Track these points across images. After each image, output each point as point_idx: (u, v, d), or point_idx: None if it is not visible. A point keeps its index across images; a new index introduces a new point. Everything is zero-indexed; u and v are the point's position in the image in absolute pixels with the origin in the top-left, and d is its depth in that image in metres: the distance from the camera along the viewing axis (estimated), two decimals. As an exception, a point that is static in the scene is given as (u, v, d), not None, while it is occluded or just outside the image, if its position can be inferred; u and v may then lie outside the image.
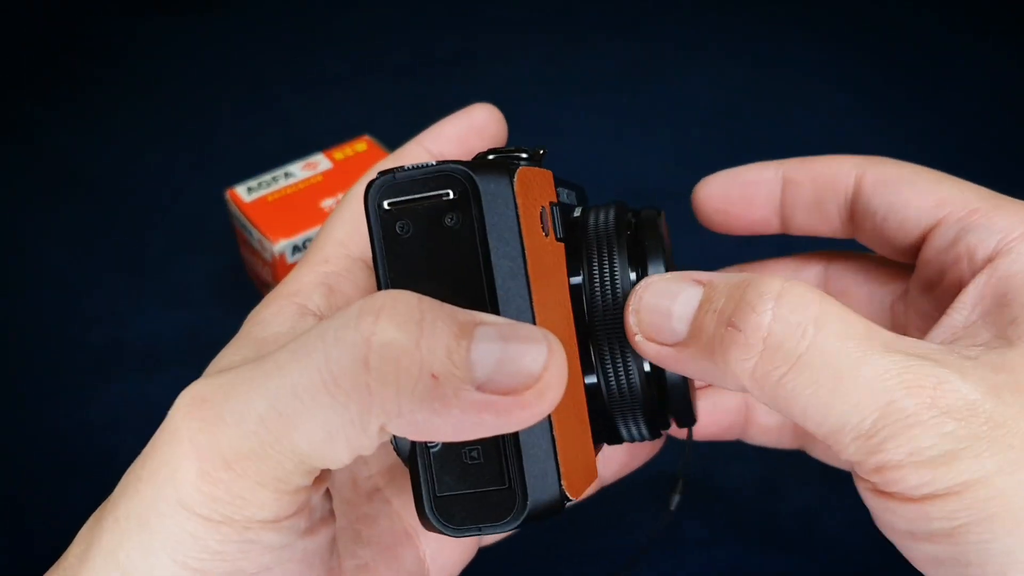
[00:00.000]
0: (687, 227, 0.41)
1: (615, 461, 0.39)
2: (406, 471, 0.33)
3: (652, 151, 0.75)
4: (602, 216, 0.33)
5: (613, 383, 0.32)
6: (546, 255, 0.29)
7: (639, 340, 0.28)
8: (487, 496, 0.28)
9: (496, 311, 0.26)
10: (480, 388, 0.23)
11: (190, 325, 0.61)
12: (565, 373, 0.24)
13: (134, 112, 0.79)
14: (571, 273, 0.32)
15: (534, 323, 0.27)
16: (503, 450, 0.28)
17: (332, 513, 0.29)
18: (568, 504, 0.28)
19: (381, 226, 0.28)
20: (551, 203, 0.31)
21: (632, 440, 0.34)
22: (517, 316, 0.27)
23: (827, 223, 0.37)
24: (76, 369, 0.59)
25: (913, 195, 0.33)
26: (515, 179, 0.28)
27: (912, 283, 0.35)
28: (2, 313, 0.63)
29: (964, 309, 0.29)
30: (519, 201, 0.27)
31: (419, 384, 0.22)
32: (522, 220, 0.27)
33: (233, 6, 0.91)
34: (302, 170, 0.60)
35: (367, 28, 0.89)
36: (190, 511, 0.24)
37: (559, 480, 0.28)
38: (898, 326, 0.37)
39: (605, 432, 0.33)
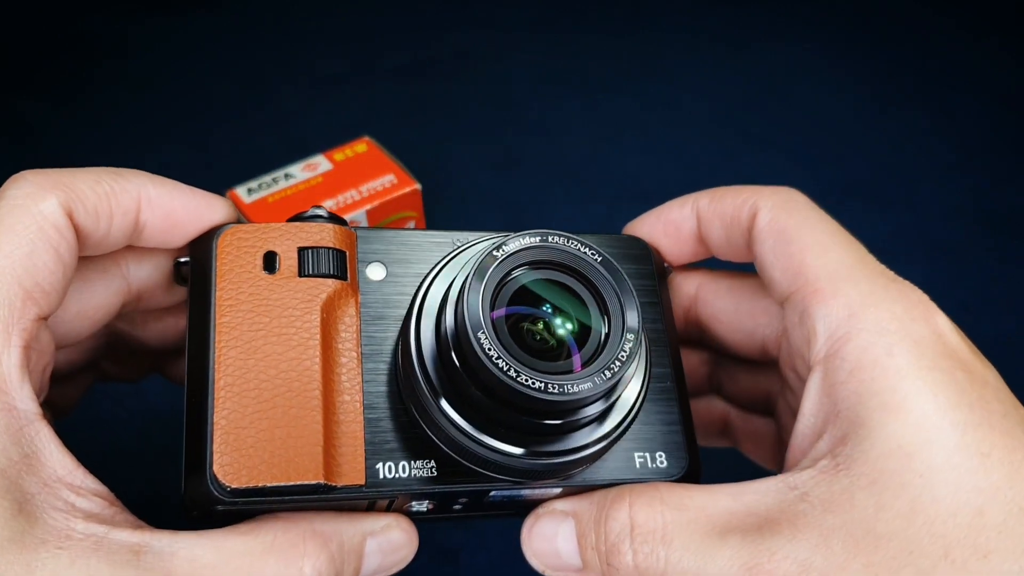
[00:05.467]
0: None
1: None
2: None
3: (651, 151, 0.75)
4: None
5: None
6: (273, 292, 0.30)
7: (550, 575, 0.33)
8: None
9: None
10: None
11: (190, 326, 0.61)
12: None
13: (134, 112, 0.79)
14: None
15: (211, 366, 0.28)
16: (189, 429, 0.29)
17: None
18: (233, 488, 0.27)
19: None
20: (301, 248, 0.31)
21: None
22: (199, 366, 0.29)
23: (738, 254, 0.37)
24: (76, 370, 0.58)
25: (781, 256, 0.33)
26: (217, 239, 0.31)
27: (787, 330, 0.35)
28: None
29: (810, 416, 0.32)
30: (222, 257, 0.30)
31: None
32: (223, 271, 0.30)
33: (233, 6, 0.91)
34: (302, 171, 0.60)
35: (367, 28, 0.89)
36: None
37: (208, 464, 0.27)
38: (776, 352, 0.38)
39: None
